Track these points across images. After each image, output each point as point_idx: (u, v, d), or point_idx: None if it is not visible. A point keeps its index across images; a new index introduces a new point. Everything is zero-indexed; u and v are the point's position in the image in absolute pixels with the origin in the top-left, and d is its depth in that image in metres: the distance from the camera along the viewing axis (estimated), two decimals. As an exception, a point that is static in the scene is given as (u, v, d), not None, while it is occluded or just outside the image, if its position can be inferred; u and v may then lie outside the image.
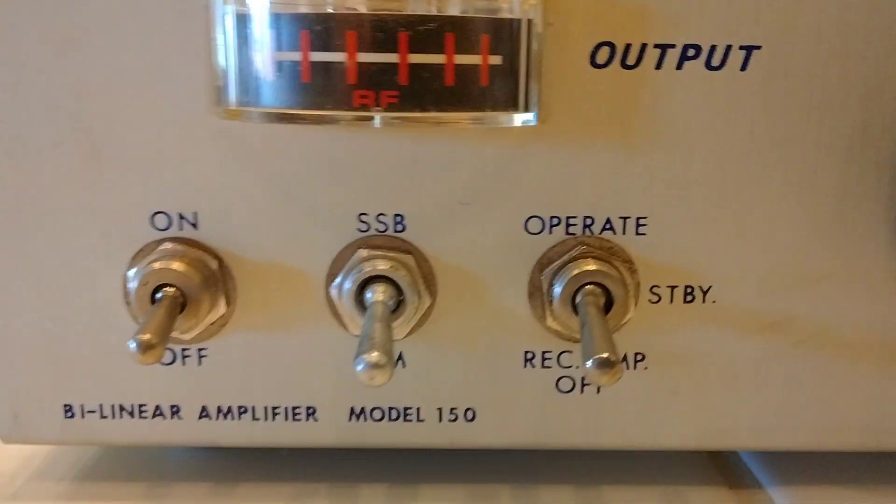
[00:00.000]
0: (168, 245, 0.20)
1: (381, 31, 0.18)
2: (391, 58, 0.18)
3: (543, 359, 0.21)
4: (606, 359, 0.18)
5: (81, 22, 0.19)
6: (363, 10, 0.18)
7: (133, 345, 0.18)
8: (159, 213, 0.20)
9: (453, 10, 0.18)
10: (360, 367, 0.17)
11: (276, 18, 0.18)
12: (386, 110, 0.18)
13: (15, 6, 0.19)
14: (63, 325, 0.21)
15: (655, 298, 0.21)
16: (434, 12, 0.18)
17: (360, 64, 0.18)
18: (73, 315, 0.21)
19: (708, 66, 0.19)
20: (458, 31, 0.18)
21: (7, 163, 0.20)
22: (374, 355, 0.17)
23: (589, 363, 0.18)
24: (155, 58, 0.19)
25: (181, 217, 0.20)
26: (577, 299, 0.20)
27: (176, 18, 0.19)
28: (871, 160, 0.20)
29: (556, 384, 0.21)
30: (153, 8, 0.19)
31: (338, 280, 0.20)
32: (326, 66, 0.18)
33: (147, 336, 0.18)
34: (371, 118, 0.18)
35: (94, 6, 0.19)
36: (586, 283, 0.20)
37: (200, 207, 0.20)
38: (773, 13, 0.19)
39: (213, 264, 0.20)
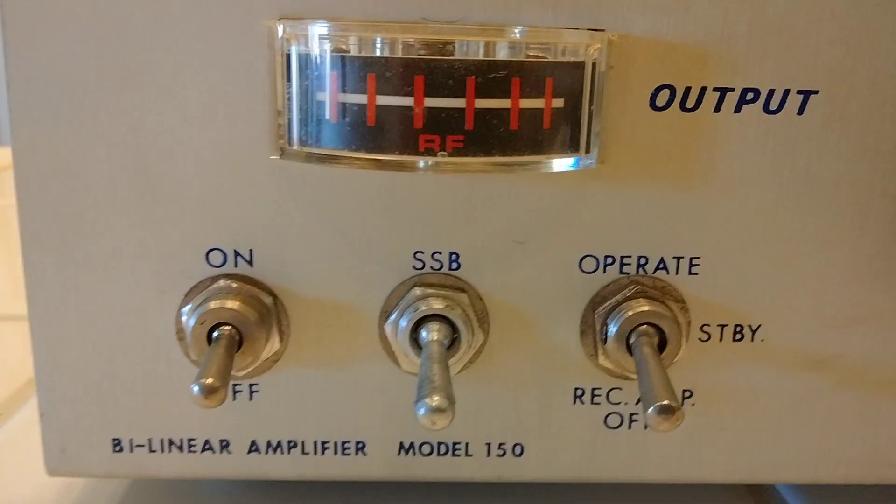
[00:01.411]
0: (223, 282, 0.20)
1: (450, 77, 0.18)
2: (458, 103, 0.18)
3: (593, 395, 0.21)
4: (668, 406, 0.18)
5: (142, 57, 0.19)
6: (432, 55, 0.18)
7: (196, 389, 0.18)
8: (214, 249, 0.20)
9: (520, 56, 0.18)
10: (421, 412, 0.17)
11: (342, 61, 0.18)
12: (451, 155, 0.18)
13: (77, 39, 0.18)
14: (113, 360, 0.21)
15: (705, 337, 0.21)
16: (501, 57, 0.18)
17: (427, 109, 0.18)
18: (124, 350, 0.20)
19: (766, 109, 0.19)
20: (524, 75, 0.18)
21: (63, 197, 0.19)
22: (436, 400, 0.17)
23: (650, 410, 0.18)
24: (214, 95, 0.19)
25: (236, 254, 0.20)
26: (631, 339, 0.20)
27: (238, 57, 0.19)
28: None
29: (605, 420, 0.22)
30: (215, 45, 0.19)
31: (392, 317, 0.20)
32: (392, 110, 0.18)
33: (210, 380, 0.18)
34: (435, 163, 0.18)
35: (156, 42, 0.19)
36: (641, 324, 0.20)
37: (255, 244, 0.20)
38: (831, 59, 0.19)
39: (268, 301, 0.20)
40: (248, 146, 0.19)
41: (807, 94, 0.19)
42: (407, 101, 0.18)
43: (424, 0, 0.18)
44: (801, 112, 0.20)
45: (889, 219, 0.20)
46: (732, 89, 0.19)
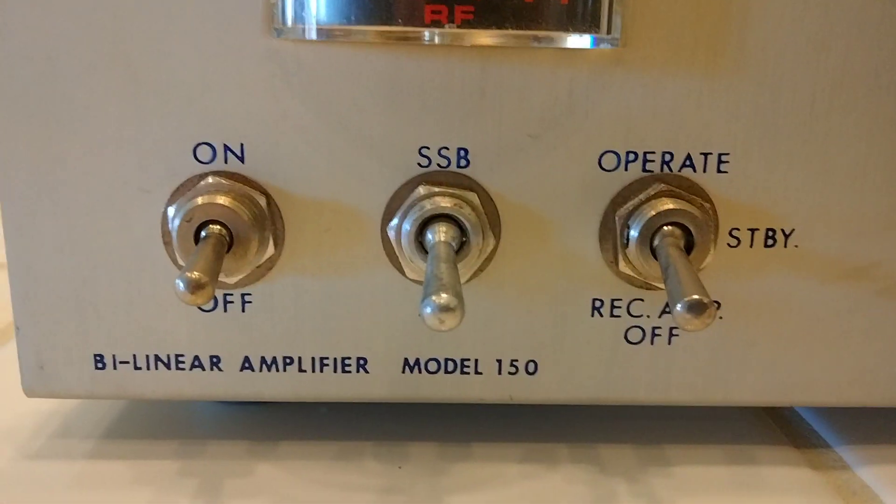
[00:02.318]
0: (212, 179, 0.18)
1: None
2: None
3: (613, 307, 0.20)
4: (699, 301, 0.16)
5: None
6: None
7: (181, 284, 0.16)
8: (203, 143, 0.18)
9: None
10: (428, 310, 0.16)
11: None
12: (460, 27, 0.16)
13: None
14: (94, 266, 0.19)
15: (735, 242, 0.19)
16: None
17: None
18: (105, 255, 0.19)
19: (802, -13, 0.18)
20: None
21: (37, 83, 0.18)
22: (444, 297, 0.16)
23: (679, 306, 0.16)
24: (200, -30, 0.17)
25: (226, 149, 0.18)
26: (655, 241, 0.19)
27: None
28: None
29: (626, 334, 0.20)
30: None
31: (395, 219, 0.19)
32: (396, -23, 0.16)
33: (196, 274, 0.16)
34: (443, 35, 0.17)
35: None
36: (665, 224, 0.18)
37: (247, 139, 0.18)
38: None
39: (261, 200, 0.19)
40: (237, 27, 0.18)
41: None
42: (411, -35, 0.16)
43: None
44: (840, -10, 0.18)
45: (935, 110, 0.19)
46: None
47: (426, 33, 0.16)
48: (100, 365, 0.20)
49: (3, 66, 0.18)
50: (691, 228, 0.19)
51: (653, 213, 0.18)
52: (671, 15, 0.18)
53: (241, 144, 0.18)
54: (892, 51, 0.18)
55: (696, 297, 0.16)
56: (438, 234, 0.18)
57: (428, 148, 0.19)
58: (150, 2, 0.17)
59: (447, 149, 0.19)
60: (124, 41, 0.18)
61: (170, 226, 0.18)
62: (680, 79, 0.18)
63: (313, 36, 0.17)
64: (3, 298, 0.21)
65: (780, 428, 0.23)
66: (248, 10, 0.17)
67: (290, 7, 0.17)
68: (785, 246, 0.20)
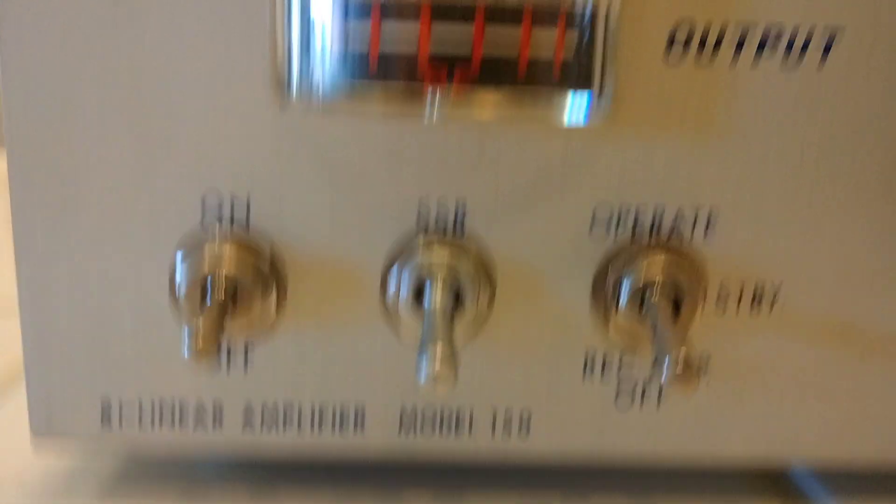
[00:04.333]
0: (218, 236, 0.19)
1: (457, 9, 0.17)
2: (466, 34, 0.17)
3: (605, 365, 0.20)
4: (686, 366, 0.17)
5: (138, -4, 0.18)
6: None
7: (187, 349, 0.17)
8: (210, 198, 0.19)
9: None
10: (422, 377, 0.16)
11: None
12: (457, 91, 0.17)
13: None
14: (102, 315, 0.20)
15: (723, 301, 0.20)
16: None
17: (433, 42, 0.17)
18: (114, 306, 0.20)
19: (787, 53, 0.19)
20: (536, 15, 0.17)
21: (53, 139, 0.19)
22: (439, 364, 0.16)
23: (666, 371, 0.17)
24: (211, 36, 0.18)
25: (233, 205, 0.19)
26: (646, 296, 0.19)
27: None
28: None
29: (617, 392, 0.21)
30: (214, -15, 0.18)
31: (394, 271, 0.19)
32: (396, 40, 0.17)
33: (202, 342, 0.17)
34: (442, 98, 0.17)
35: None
36: (655, 281, 0.19)
37: (253, 196, 0.19)
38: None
39: (265, 256, 0.19)
40: (246, 94, 0.19)
41: (831, 34, 0.18)
42: (412, 31, 0.17)
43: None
44: (824, 55, 0.19)
45: (917, 176, 0.19)
46: (753, 33, 0.18)
47: (427, 109, 0.17)
48: (107, 409, 0.20)
49: (19, 117, 0.19)
50: (680, 289, 0.19)
51: (643, 273, 0.19)
52: (662, 80, 0.19)
53: (247, 202, 0.19)
54: (877, 114, 0.19)
55: (682, 362, 0.17)
56: (435, 292, 0.19)
57: (427, 205, 0.19)
58: (161, 62, 0.18)
59: (445, 206, 0.19)
60: (136, 99, 0.19)
61: (176, 279, 0.19)
62: (670, 141, 0.19)
63: (318, 107, 0.18)
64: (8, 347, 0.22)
65: (771, 481, 0.24)
66: (257, 78, 0.18)
67: (296, 81, 0.18)
68: (772, 304, 0.20)
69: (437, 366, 0.16)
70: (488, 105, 0.18)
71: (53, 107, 0.19)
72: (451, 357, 0.17)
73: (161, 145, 0.19)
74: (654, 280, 0.19)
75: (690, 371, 0.17)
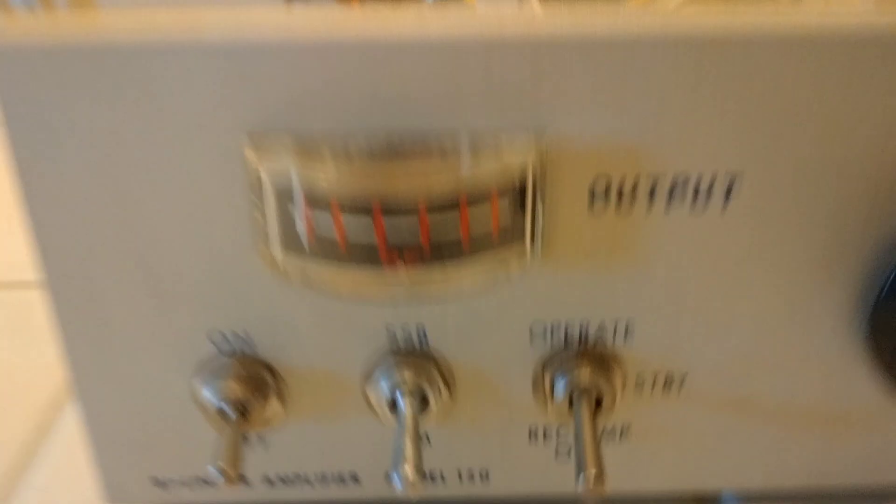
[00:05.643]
0: (226, 360, 0.24)
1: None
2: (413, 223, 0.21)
3: (545, 433, 0.25)
4: (595, 474, 0.22)
5: (138, 185, 0.22)
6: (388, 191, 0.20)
7: (214, 475, 0.22)
8: (215, 333, 0.24)
9: (466, 175, 0.20)
10: (397, 482, 0.22)
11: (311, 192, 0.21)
12: (410, 269, 0.21)
13: (87, 175, 0.21)
14: (147, 419, 0.25)
15: (640, 385, 0.25)
16: (449, 186, 0.20)
17: (387, 229, 0.21)
18: (156, 410, 0.25)
19: (694, 201, 0.22)
20: (471, 196, 0.21)
21: (85, 298, 0.23)
22: (410, 475, 0.21)
23: (580, 476, 0.22)
24: (205, 213, 0.22)
25: (235, 335, 0.24)
26: (574, 398, 0.24)
27: (218, 183, 0.21)
28: (838, 281, 0.23)
29: (556, 450, 0.26)
30: (197, 175, 0.21)
31: (371, 382, 0.24)
32: (358, 232, 0.21)
33: (226, 468, 0.22)
34: (399, 277, 0.21)
35: (147, 173, 0.21)
36: (580, 387, 0.24)
37: (251, 328, 0.24)
38: (754, 143, 0.21)
39: (267, 373, 0.24)
40: (241, 256, 0.23)
41: (731, 180, 0.22)
42: (367, 223, 0.21)
43: (387, 116, 0.21)
44: (726, 199, 0.22)
45: (804, 295, 0.23)
46: (662, 182, 0.22)
47: (388, 277, 0.21)
48: (157, 483, 0.26)
49: (65, 286, 0.23)
50: (601, 390, 0.24)
51: (572, 379, 0.24)
52: (587, 228, 0.22)
53: (247, 332, 0.24)
54: (776, 246, 0.23)
55: (592, 480, 0.22)
56: (405, 406, 0.24)
57: (395, 328, 0.24)
58: (166, 232, 0.22)
59: (409, 329, 0.24)
60: (149, 263, 0.23)
61: (198, 399, 0.24)
62: (595, 273, 0.23)
63: (297, 272, 0.22)
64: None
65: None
66: (246, 241, 0.22)
67: (279, 251, 0.22)
68: (681, 386, 0.25)
69: (409, 482, 0.21)
70: (438, 281, 0.21)
71: (83, 277, 0.23)
72: (417, 473, 0.22)
73: (170, 298, 0.23)
74: (580, 386, 0.24)
75: (599, 485, 0.22)
